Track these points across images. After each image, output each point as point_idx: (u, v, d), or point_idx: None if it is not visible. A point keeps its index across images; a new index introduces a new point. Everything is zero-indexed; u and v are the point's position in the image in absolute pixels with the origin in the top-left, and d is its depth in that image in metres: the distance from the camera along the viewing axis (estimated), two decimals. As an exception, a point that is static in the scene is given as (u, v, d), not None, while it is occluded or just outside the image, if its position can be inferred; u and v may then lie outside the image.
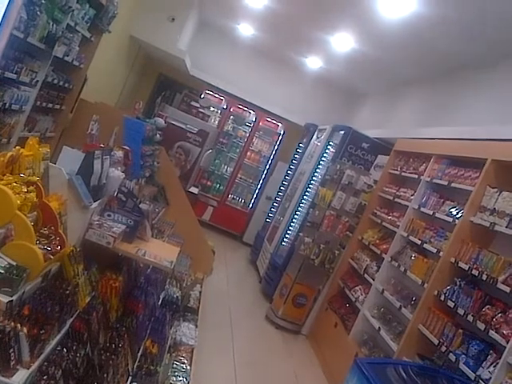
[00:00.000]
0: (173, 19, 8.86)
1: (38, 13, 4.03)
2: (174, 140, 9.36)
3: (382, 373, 3.21)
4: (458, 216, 4.31)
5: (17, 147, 2.37)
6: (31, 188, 2.26)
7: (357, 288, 5.88)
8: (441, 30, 5.43)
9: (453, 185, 4.58)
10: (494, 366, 3.26)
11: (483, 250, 3.84)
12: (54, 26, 4.39)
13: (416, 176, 5.40)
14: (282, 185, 9.98)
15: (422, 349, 4.20)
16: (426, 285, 4.34)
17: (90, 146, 3.64)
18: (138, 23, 8.70)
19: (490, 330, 3.38)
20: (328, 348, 5.91)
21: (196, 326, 4.93)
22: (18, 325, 1.97)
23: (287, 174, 9.89)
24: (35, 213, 2.27)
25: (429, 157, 5.29)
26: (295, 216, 8.22)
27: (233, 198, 11.30)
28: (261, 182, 11.32)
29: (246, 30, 9.57)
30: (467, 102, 5.96)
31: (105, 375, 2.69)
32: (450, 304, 3.96)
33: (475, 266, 3.81)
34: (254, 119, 11.18)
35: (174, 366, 3.89)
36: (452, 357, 3.68)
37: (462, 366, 3.52)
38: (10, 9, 3.26)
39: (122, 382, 3.02)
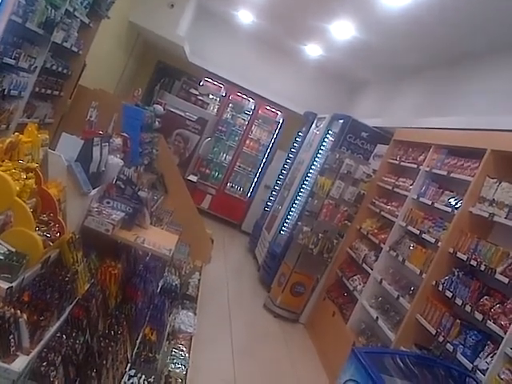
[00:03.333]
0: (172, 5, 8.79)
1: (37, -2, 4.01)
2: (173, 127, 9.36)
3: (379, 362, 3.24)
4: (456, 206, 4.30)
5: (16, 133, 2.37)
6: (30, 174, 2.26)
7: (355, 277, 5.89)
8: (442, 19, 5.39)
9: (452, 175, 4.57)
10: (492, 357, 3.28)
11: (482, 241, 3.85)
12: (53, 11, 4.36)
13: (415, 166, 5.40)
14: (281, 173, 9.96)
15: (419, 339, 4.22)
16: (424, 275, 4.35)
17: (89, 133, 3.63)
18: (137, 9, 8.64)
19: (488, 321, 3.39)
20: (326, 337, 5.94)
21: (195, 314, 4.94)
22: (18, 311, 1.97)
23: (286, 163, 9.87)
24: (34, 199, 2.27)
25: (428, 147, 5.28)
26: (294, 205, 8.21)
27: (231, 187, 11.27)
28: (260, 170, 11.28)
29: (245, 17, 9.49)
30: (467, 92, 5.94)
31: (104, 362, 2.70)
32: (448, 294, 3.97)
33: (474, 257, 3.82)
34: (253, 107, 11.13)
35: (173, 353, 3.90)
36: (449, 347, 3.70)
37: (460, 357, 3.54)
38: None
39: (120, 368, 3.03)
